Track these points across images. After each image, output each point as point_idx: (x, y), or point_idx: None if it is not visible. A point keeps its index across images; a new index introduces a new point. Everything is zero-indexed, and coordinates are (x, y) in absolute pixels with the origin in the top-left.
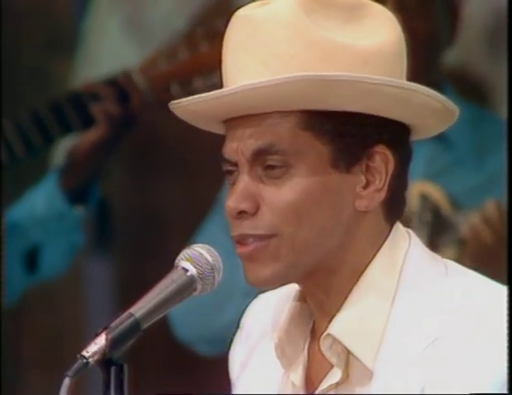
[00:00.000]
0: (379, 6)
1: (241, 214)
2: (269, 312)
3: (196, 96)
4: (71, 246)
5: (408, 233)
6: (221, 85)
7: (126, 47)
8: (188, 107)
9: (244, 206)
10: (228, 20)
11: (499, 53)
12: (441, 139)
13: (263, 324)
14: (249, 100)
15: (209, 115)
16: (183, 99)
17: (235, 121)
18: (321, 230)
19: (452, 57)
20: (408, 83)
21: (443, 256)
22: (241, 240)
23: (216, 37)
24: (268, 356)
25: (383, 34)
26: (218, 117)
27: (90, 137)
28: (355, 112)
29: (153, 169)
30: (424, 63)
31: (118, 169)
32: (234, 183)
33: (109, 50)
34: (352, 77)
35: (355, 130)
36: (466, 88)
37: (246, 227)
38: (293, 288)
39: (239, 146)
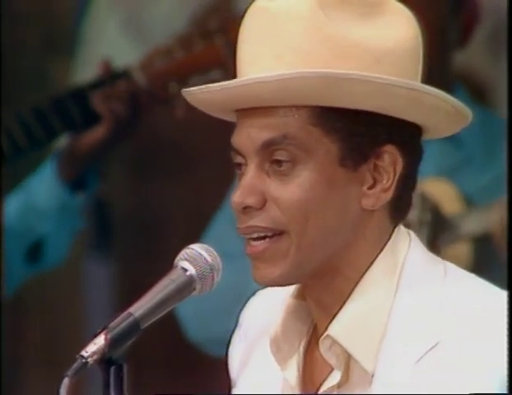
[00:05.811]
0: (397, 4)
1: (247, 209)
2: (269, 308)
3: (204, 86)
4: (72, 234)
5: (409, 234)
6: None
7: (125, 48)
8: (198, 96)
9: (250, 201)
10: (224, 19)
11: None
12: (451, 138)
13: (263, 321)
14: (257, 93)
15: (217, 105)
16: (195, 88)
17: (246, 111)
18: (328, 228)
19: (462, 58)
20: (420, 84)
21: (447, 255)
22: (249, 232)
23: (210, 37)
24: (269, 354)
25: (398, 32)
26: (227, 107)
27: (95, 135)
28: (365, 111)
29: (153, 169)
30: (434, 64)
31: (118, 169)
32: (241, 176)
33: (109, 51)
34: (364, 77)
35: (365, 129)
36: (476, 89)
37: (254, 220)
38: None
39: (248, 137)
